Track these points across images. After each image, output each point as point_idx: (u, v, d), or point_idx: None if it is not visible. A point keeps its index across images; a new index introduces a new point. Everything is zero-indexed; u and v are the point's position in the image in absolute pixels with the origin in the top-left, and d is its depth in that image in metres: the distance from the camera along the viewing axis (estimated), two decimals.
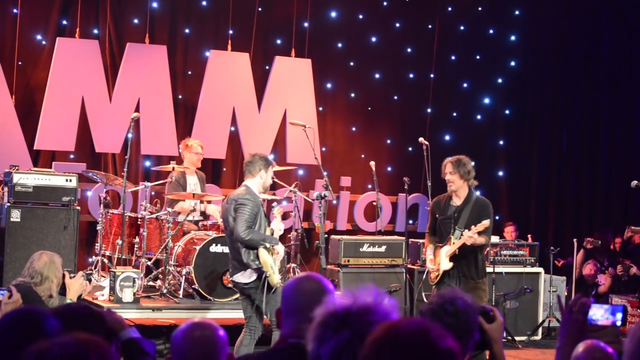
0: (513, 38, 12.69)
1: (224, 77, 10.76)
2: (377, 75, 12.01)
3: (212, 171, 10.80)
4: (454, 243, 6.85)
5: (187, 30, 11.11)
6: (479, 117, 12.57)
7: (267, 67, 11.23)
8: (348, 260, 9.17)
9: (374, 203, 10.27)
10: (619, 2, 12.83)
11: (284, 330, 2.93)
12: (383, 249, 9.28)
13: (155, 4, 10.76)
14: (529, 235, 10.36)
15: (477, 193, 7.25)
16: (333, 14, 11.72)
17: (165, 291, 8.22)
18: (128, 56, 10.36)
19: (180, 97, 10.91)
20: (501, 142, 12.66)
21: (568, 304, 3.07)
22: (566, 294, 10.12)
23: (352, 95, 11.94)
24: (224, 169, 11.15)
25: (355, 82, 11.95)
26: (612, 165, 12.89)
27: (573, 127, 12.80)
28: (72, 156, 10.26)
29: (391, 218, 11.62)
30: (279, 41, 11.39)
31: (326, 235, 7.73)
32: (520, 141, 12.68)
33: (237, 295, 7.36)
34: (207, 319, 3.07)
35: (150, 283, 8.55)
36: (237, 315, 7.39)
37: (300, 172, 11.09)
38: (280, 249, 6.71)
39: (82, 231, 9.46)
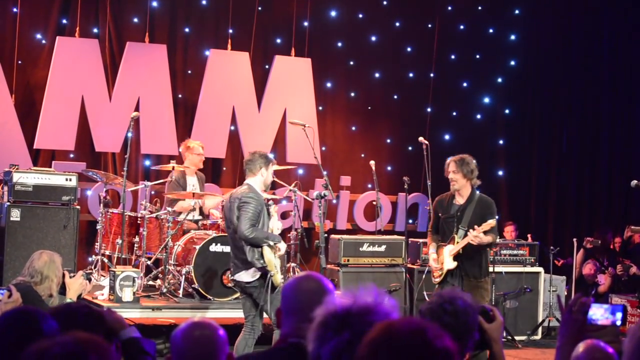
0: (513, 37, 12.68)
1: (224, 76, 10.76)
2: (377, 75, 12.00)
3: (211, 170, 10.80)
4: (457, 242, 6.84)
5: (187, 30, 11.11)
6: (478, 116, 12.56)
7: (267, 67, 11.22)
8: (348, 260, 9.16)
9: (374, 202, 10.26)
10: (619, 2, 12.82)
11: (284, 329, 2.94)
12: (383, 248, 9.28)
13: (155, 3, 10.76)
14: (528, 235, 10.36)
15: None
16: (333, 13, 11.71)
17: (165, 290, 8.22)
18: (128, 55, 10.35)
19: (180, 96, 10.90)
20: (501, 142, 12.65)
21: (568, 303, 3.07)
22: (566, 293, 10.11)
23: (352, 94, 11.93)
24: (224, 168, 11.14)
25: (355, 81, 11.94)
26: (612, 165, 12.87)
27: (573, 127, 12.79)
28: (72, 155, 10.25)
29: (391, 217, 11.61)
30: (278, 40, 11.38)
31: (326, 235, 7.74)
32: (520, 141, 12.66)
33: (237, 295, 7.36)
34: (207, 318, 3.07)
35: (150, 282, 8.55)
36: (237, 314, 7.39)
37: (300, 171, 11.09)
38: (282, 246, 6.73)
39: (82, 230, 9.45)
